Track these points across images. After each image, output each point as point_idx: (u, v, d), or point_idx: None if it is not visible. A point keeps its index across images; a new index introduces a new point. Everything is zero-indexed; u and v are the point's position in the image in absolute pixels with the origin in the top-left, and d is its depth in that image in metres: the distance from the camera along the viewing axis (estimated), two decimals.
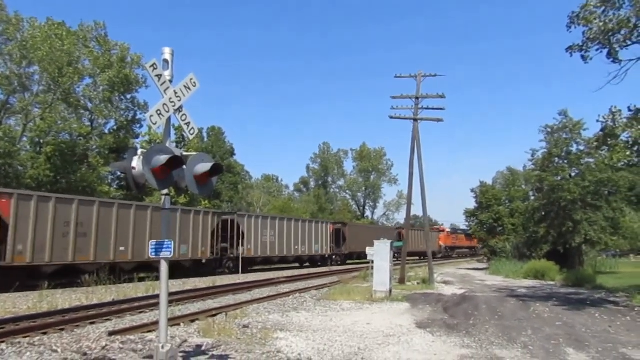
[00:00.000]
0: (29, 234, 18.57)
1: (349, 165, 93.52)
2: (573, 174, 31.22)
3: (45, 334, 9.77)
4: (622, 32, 14.68)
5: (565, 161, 31.61)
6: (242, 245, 29.92)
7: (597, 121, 16.15)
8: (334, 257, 41.26)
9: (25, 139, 34.76)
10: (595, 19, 14.78)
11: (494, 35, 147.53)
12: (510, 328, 11.07)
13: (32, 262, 18.73)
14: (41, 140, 34.07)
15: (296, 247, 35.57)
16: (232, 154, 63.94)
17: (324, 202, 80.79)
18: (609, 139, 16.47)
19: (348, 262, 42.94)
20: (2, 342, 8.78)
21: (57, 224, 19.62)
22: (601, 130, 16.37)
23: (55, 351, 8.05)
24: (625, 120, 15.52)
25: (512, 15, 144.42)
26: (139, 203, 24.82)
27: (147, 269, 22.94)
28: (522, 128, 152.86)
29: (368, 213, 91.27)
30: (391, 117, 23.91)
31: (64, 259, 19.84)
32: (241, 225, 30.44)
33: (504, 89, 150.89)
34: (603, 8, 14.83)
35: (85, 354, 7.80)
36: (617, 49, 14.96)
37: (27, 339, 9.14)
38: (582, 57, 15.54)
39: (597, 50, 15.27)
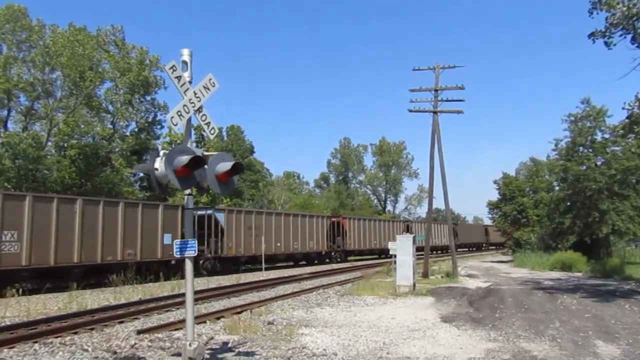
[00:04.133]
0: None
1: (369, 160, 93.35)
2: (599, 163, 30.57)
3: (75, 333, 9.99)
4: None
5: (590, 150, 30.98)
6: None
7: (623, 108, 15.82)
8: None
9: (50, 143, 35.51)
10: (618, 3, 14.42)
11: (514, 25, 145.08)
12: (537, 321, 10.93)
13: None
14: (65, 144, 34.75)
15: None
16: (252, 152, 64.35)
17: (345, 198, 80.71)
18: (635, 127, 16.10)
19: (458, 249, 56.15)
20: (35, 342, 9.02)
21: None
22: (627, 117, 16.01)
23: (86, 350, 8.23)
24: None
25: (535, 4, 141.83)
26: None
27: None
28: (545, 118, 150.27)
29: (389, 207, 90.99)
30: (410, 111, 23.77)
31: None
32: None
33: (525, 79, 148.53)
34: None
35: (115, 353, 7.96)
36: None
37: (59, 339, 9.35)
38: (605, 43, 15.18)
39: (620, 36, 14.91)
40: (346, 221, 40.51)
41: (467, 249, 62.59)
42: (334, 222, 39.48)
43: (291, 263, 34.98)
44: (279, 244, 31.78)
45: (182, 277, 25.15)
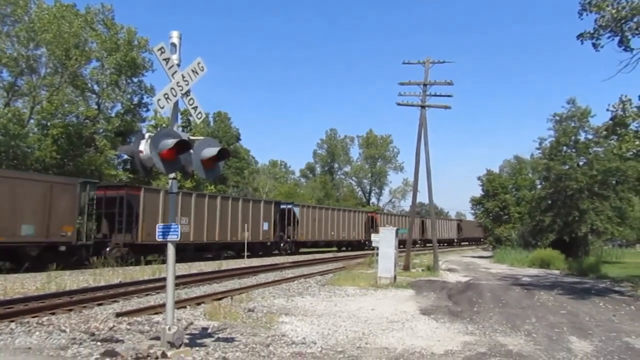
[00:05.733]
0: None
1: (355, 152, 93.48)
2: (581, 163, 31.01)
3: (53, 314, 9.90)
4: (635, 19, 14.44)
5: (573, 150, 31.40)
6: None
7: (607, 110, 15.97)
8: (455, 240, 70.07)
9: (32, 121, 34.85)
10: (607, 6, 14.52)
11: (503, 24, 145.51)
12: (514, 316, 11.11)
13: None
14: (48, 123, 34.13)
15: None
16: (238, 139, 63.96)
17: (330, 189, 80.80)
18: (618, 128, 16.28)
19: (462, 243, 72.96)
20: (12, 321, 8.91)
21: None
22: (611, 119, 16.18)
23: (64, 331, 8.16)
24: (635, 109, 15.33)
25: (523, 3, 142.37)
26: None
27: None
28: (530, 118, 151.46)
29: (374, 200, 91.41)
30: (398, 104, 23.80)
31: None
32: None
33: (512, 79, 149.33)
34: None
35: (93, 334, 7.91)
36: (629, 37, 14.73)
37: (36, 318, 9.26)
38: (593, 44, 15.30)
39: (608, 38, 15.04)
40: (378, 216, 49.70)
41: (468, 243, 74.62)
42: (369, 217, 48.07)
43: (334, 248, 43.86)
44: (332, 233, 40.11)
45: (256, 255, 28.62)
